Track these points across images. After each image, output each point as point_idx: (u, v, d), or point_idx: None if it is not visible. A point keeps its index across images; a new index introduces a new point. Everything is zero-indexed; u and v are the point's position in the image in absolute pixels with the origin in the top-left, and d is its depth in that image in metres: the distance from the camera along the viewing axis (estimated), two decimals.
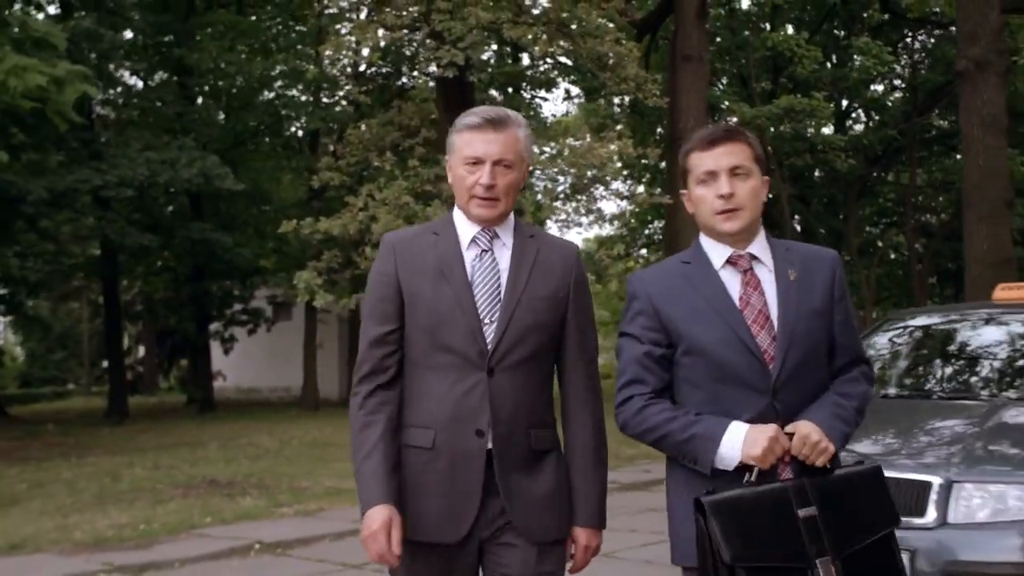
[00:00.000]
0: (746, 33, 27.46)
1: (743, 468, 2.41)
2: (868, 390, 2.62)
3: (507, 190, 2.61)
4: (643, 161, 21.69)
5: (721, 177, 2.49)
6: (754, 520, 2.34)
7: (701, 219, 2.56)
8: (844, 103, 30.42)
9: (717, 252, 2.56)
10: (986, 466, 4.32)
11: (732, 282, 2.53)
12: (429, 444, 2.55)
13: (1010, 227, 18.68)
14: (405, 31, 15.60)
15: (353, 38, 16.24)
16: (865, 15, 27.91)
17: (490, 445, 2.54)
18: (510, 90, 24.55)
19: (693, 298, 2.52)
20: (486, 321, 2.58)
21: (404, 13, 15.70)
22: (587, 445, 2.66)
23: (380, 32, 16.14)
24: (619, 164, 18.21)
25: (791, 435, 2.42)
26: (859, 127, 31.30)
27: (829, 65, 28.27)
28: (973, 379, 5.67)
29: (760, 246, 2.58)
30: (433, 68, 15.31)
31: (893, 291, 33.46)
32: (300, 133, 24.05)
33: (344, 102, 21.64)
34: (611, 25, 17.10)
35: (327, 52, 16.40)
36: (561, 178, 16.24)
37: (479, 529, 2.56)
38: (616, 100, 24.93)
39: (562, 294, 2.66)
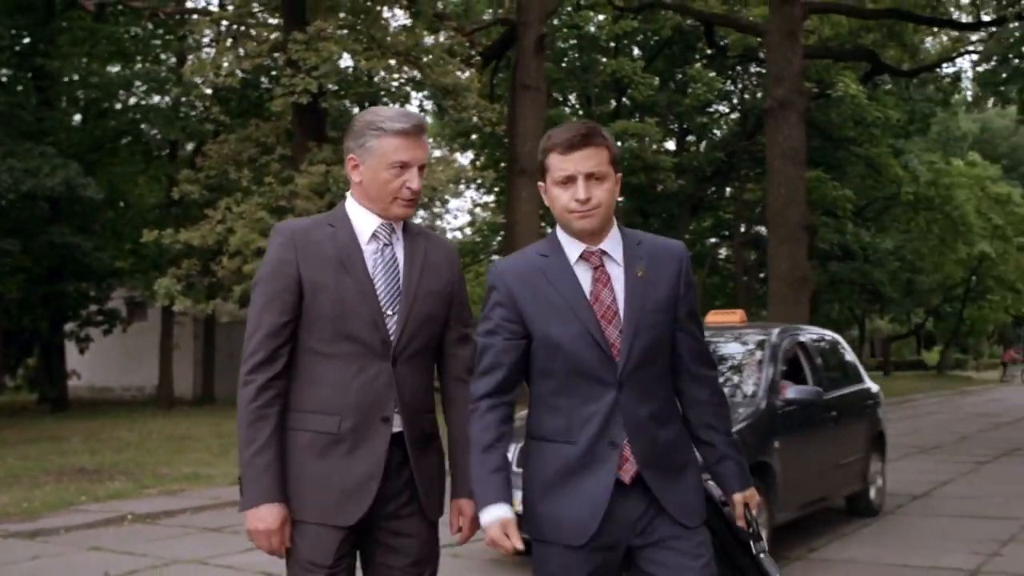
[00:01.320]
0: (596, 55, 29.56)
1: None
2: (726, 405, 2.85)
3: (421, 192, 2.81)
4: (478, 181, 23.41)
5: (579, 181, 2.58)
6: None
7: (557, 215, 2.67)
8: (681, 126, 33.11)
9: (572, 247, 2.66)
10: None
11: (584, 277, 2.64)
12: (334, 430, 2.66)
13: (807, 248, 21.34)
14: (263, 58, 17.10)
15: (214, 59, 17.53)
16: (699, 46, 30.50)
17: (396, 429, 2.69)
18: (366, 104, 26.11)
19: (550, 293, 2.62)
20: (388, 312, 2.70)
21: (263, 42, 17.28)
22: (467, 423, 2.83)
23: (241, 51, 17.58)
24: (461, 186, 19.91)
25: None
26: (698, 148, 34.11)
27: (672, 89, 30.87)
28: None
29: (612, 242, 2.67)
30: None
31: (723, 299, 36.34)
32: (158, 138, 24.98)
33: (204, 118, 22.76)
34: (456, 58, 18.94)
35: (188, 71, 17.66)
36: None
37: (377, 509, 2.69)
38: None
39: (449, 289, 2.84)
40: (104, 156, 25.26)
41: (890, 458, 9.65)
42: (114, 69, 24.76)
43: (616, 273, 2.65)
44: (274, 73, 17.88)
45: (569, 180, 2.59)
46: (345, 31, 17.83)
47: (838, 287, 36.57)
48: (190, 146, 25.71)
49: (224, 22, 18.61)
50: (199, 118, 22.99)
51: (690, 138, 34.25)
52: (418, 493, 2.74)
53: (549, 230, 2.95)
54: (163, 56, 26.06)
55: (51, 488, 10.18)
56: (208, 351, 27.42)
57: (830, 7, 23.03)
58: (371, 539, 2.75)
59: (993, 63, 18.25)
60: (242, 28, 18.09)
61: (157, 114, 23.05)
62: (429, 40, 19.75)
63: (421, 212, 19.12)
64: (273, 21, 19.73)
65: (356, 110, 25.18)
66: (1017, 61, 17.40)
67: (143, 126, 23.91)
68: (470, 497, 2.73)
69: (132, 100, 24.25)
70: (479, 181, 22.90)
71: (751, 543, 2.76)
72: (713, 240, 39.04)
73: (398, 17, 21.63)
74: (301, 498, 2.65)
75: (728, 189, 35.92)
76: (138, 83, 24.13)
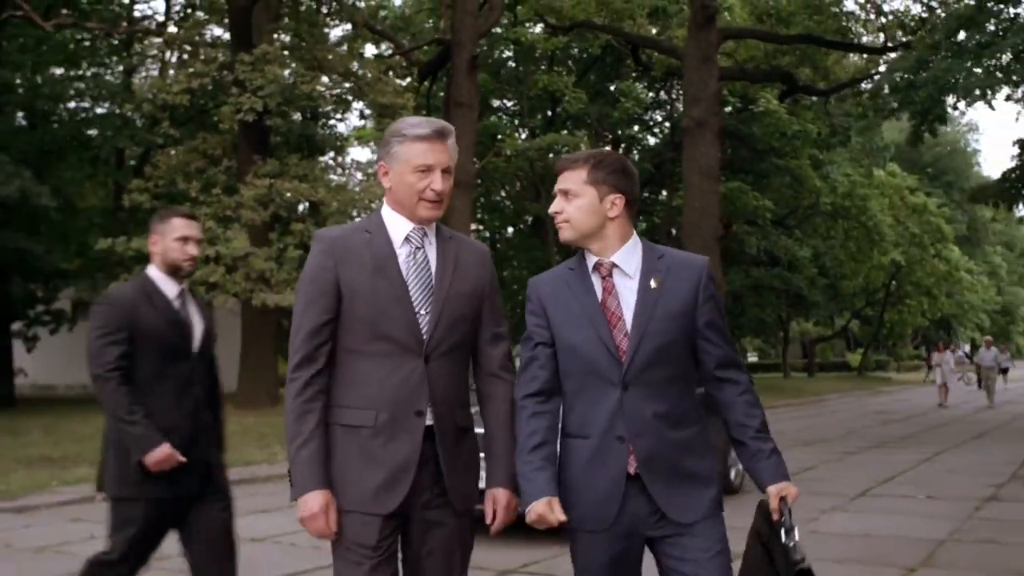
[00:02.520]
0: (531, 67, 31.23)
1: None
2: (757, 405, 2.97)
3: (449, 193, 2.96)
4: None
5: (558, 198, 2.94)
6: None
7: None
8: (613, 138, 34.94)
9: (591, 260, 2.93)
10: None
11: (598, 286, 2.90)
12: (371, 423, 2.85)
13: (719, 259, 23.18)
14: (210, 78, 18.49)
15: (166, 77, 18.90)
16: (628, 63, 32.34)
17: (429, 422, 2.87)
18: (308, 115, 27.57)
19: (571, 302, 2.90)
20: (421, 312, 2.89)
21: (212, 61, 18.68)
22: (506, 415, 2.99)
23: (191, 70, 18.96)
24: None
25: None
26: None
27: (603, 102, 32.65)
28: None
29: (624, 255, 2.92)
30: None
31: None
32: (105, 145, 26.09)
33: (151, 127, 23.97)
34: (391, 75, 20.47)
35: (141, 88, 18.98)
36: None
37: (412, 498, 2.86)
38: None
39: (480, 291, 3.01)
40: (52, 161, 26.33)
41: None
42: (59, 71, 25.90)
43: (625, 283, 2.89)
44: (220, 92, 19.19)
45: (560, 193, 2.97)
46: (286, 52, 19.31)
47: (762, 292, 38.71)
48: (129, 154, 26.83)
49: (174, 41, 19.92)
50: (146, 127, 24.18)
51: (621, 147, 36.10)
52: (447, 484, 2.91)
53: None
54: (107, 61, 27.26)
55: (22, 474, 11.49)
56: None
57: (745, 33, 25.02)
58: (409, 526, 2.92)
59: (886, 90, 20.17)
60: (188, 48, 19.39)
61: (106, 122, 24.20)
62: (370, 51, 21.19)
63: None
64: (219, 31, 21.16)
65: (299, 120, 26.70)
66: (908, 88, 19.35)
67: (90, 132, 25.02)
68: (504, 486, 2.96)
69: (79, 106, 25.32)
70: None
71: (782, 533, 2.85)
72: None
73: (335, 33, 23.17)
74: (343, 488, 2.85)
75: (664, 192, 37.85)
76: (82, 86, 25.29)
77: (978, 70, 19.27)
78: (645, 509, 2.82)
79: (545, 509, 2.77)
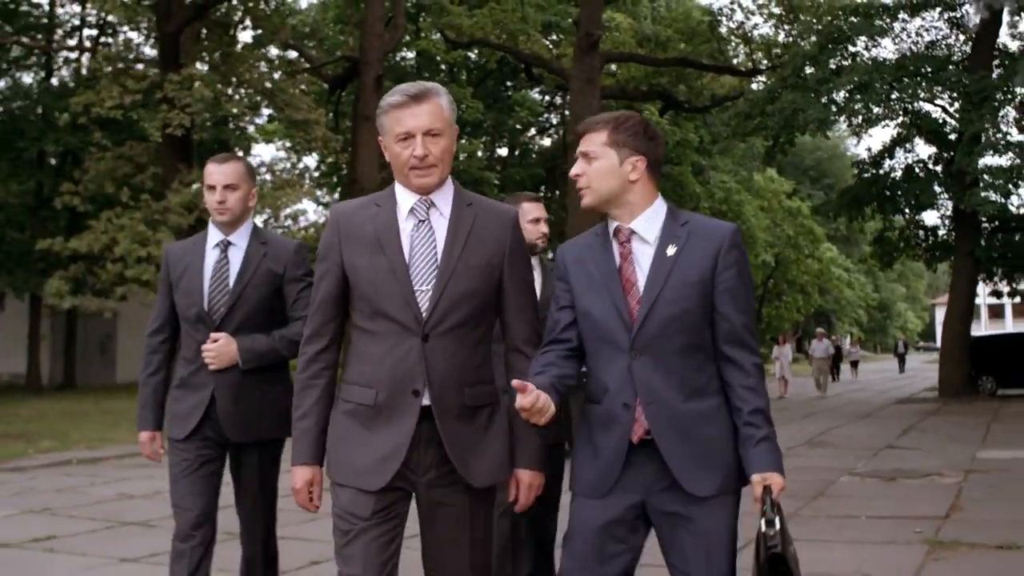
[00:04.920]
0: (433, 77, 33.88)
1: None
2: (756, 390, 2.85)
3: (442, 156, 2.87)
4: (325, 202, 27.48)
5: (579, 161, 2.91)
6: None
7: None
8: (509, 144, 37.93)
9: (612, 226, 2.91)
10: None
11: (616, 252, 2.89)
12: (371, 402, 2.86)
13: None
14: (141, 95, 20.81)
15: (99, 92, 21.08)
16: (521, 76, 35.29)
17: (426, 402, 2.84)
18: (230, 124, 29.78)
19: (591, 268, 2.90)
20: (421, 289, 2.83)
21: (142, 78, 21.01)
22: None
23: (124, 87, 21.15)
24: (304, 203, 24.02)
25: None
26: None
27: (498, 110, 35.55)
28: None
29: (644, 220, 2.88)
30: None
31: None
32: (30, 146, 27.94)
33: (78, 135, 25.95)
34: (304, 93, 23.03)
35: (75, 102, 21.13)
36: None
37: (410, 476, 2.87)
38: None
39: (496, 260, 2.93)
40: None
41: None
42: None
43: (642, 249, 2.85)
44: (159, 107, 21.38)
45: (582, 156, 2.91)
46: (207, 68, 21.75)
47: None
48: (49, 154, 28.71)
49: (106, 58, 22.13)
50: (69, 130, 26.19)
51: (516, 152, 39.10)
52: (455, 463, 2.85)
53: None
54: (26, 63, 29.13)
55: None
56: (69, 341, 30.58)
57: (625, 57, 28.18)
58: (419, 506, 2.93)
59: (742, 116, 23.54)
60: (119, 65, 21.65)
61: (30, 125, 26.17)
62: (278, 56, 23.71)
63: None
64: (148, 50, 23.41)
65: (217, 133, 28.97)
66: (760, 117, 22.74)
67: (13, 135, 26.90)
68: (526, 467, 2.96)
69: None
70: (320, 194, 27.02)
71: (762, 523, 2.77)
72: None
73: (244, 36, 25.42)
74: (339, 462, 2.89)
75: (557, 192, 40.83)
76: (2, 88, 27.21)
77: (824, 100, 22.80)
78: (651, 477, 2.80)
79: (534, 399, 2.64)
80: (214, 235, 4.06)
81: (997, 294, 26.60)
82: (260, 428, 3.98)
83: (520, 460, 2.99)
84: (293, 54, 26.63)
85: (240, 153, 35.52)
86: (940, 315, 65.95)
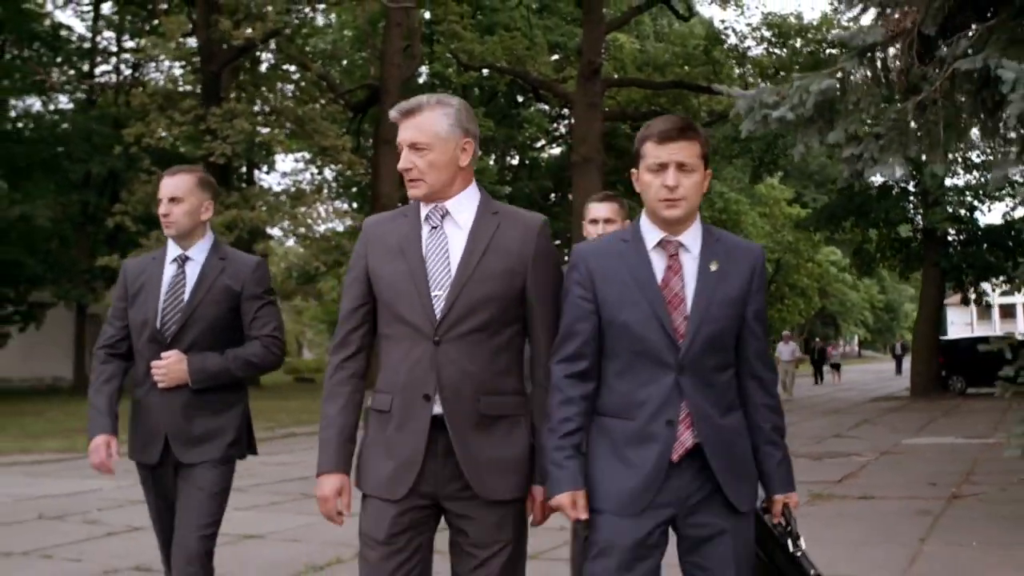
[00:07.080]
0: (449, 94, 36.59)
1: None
2: (776, 409, 2.98)
3: (426, 169, 2.90)
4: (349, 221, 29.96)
5: (669, 169, 2.77)
6: None
7: (647, 202, 2.86)
8: (520, 159, 40.55)
9: (652, 235, 2.85)
10: None
11: (659, 264, 2.83)
12: (387, 408, 2.90)
13: None
14: (186, 126, 23.61)
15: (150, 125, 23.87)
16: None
17: (438, 410, 2.83)
18: (264, 152, 32.62)
19: (624, 276, 2.82)
20: (436, 294, 2.87)
21: (188, 111, 23.82)
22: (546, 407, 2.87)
23: (173, 118, 23.90)
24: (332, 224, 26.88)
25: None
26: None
27: (508, 127, 38.15)
28: None
29: (692, 235, 2.85)
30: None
31: None
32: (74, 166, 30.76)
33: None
34: (333, 124, 25.84)
35: (128, 134, 23.90)
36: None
37: (432, 487, 2.85)
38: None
39: (519, 268, 2.92)
40: (19, 177, 30.74)
41: None
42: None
43: (689, 264, 2.83)
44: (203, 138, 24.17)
45: (661, 167, 2.79)
46: (246, 103, 24.56)
47: None
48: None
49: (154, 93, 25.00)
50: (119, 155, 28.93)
51: (524, 163, 41.72)
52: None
53: None
54: (68, 87, 32.05)
55: (81, 439, 16.30)
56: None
57: (625, 82, 30.85)
58: (446, 518, 2.93)
59: (729, 140, 26.00)
60: (166, 98, 24.48)
61: (77, 146, 28.97)
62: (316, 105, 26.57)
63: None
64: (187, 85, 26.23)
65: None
66: (746, 140, 25.23)
67: (59, 150, 29.66)
68: (542, 483, 2.88)
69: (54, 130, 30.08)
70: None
71: (789, 543, 2.85)
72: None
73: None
74: (365, 471, 2.93)
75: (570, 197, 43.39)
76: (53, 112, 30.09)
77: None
78: (684, 493, 2.79)
79: (568, 503, 2.77)
80: (172, 250, 4.01)
81: (966, 301, 29.09)
82: (208, 450, 3.89)
83: (538, 476, 2.92)
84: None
85: (265, 168, 38.65)
86: (949, 315, 68.53)
